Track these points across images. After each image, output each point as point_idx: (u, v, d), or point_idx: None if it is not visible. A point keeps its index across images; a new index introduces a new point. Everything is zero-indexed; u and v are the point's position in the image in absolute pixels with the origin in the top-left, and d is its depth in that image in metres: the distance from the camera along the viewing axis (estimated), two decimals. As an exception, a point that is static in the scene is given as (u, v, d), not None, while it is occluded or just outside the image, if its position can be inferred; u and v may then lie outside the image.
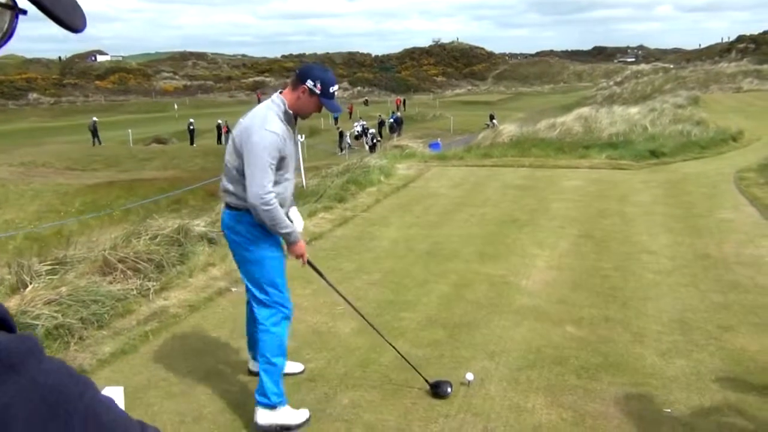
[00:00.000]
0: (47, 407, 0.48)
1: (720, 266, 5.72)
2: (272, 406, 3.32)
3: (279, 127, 3.16)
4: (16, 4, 0.58)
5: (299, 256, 3.44)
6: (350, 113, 46.94)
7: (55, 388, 0.50)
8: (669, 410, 3.38)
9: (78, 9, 0.61)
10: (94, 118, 40.32)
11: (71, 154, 28.71)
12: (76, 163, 26.94)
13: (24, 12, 0.58)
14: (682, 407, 3.41)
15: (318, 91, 3.21)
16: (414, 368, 3.70)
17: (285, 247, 3.44)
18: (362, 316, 3.84)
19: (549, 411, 3.41)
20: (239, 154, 3.19)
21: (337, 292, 3.74)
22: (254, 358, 3.87)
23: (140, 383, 3.82)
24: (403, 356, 3.78)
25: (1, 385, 0.47)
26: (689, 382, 3.67)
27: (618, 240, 6.71)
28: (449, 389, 3.58)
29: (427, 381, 3.64)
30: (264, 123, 3.13)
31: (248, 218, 3.23)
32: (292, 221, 3.42)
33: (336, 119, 41.48)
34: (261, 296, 3.32)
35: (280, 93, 3.32)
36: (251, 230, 3.26)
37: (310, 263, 3.57)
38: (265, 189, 3.08)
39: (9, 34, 0.59)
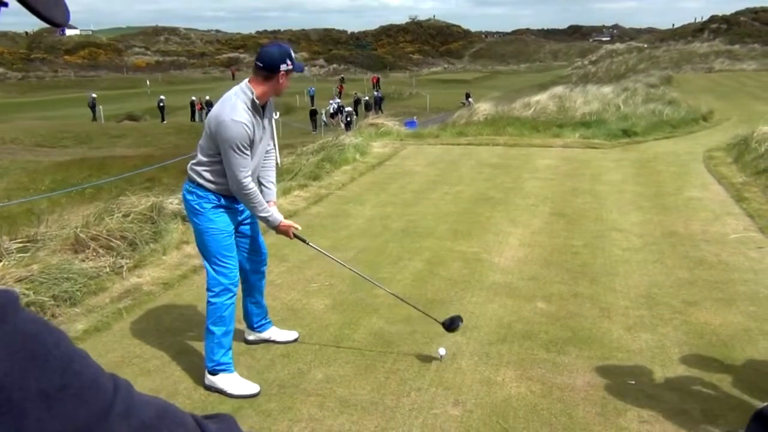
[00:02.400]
0: (27, 353, 0.53)
1: (687, 243, 5.87)
2: (212, 371, 3.51)
3: (246, 116, 3.27)
4: None
5: (286, 233, 3.75)
6: (340, 92, 46.06)
7: (34, 336, 0.54)
8: (633, 382, 3.49)
9: (60, 4, 0.62)
10: (93, 94, 39.64)
11: (40, 131, 28.09)
12: (45, 140, 26.38)
13: (5, 4, 0.59)
14: (646, 379, 3.52)
15: (291, 67, 3.39)
16: (425, 313, 3.98)
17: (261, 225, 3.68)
18: (359, 274, 4.18)
19: (518, 384, 3.50)
20: (211, 139, 3.34)
21: (329, 256, 4.10)
22: (249, 327, 4.04)
23: (114, 360, 3.83)
24: (408, 303, 4.07)
25: None
26: (654, 355, 3.78)
27: (589, 218, 6.82)
28: (460, 322, 3.86)
29: (438, 321, 3.88)
30: (232, 113, 3.25)
31: (199, 192, 3.42)
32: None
33: (312, 98, 40.93)
34: (205, 264, 3.52)
35: (249, 81, 3.39)
36: (200, 203, 3.43)
37: (297, 236, 3.84)
38: (242, 174, 3.30)
39: None
